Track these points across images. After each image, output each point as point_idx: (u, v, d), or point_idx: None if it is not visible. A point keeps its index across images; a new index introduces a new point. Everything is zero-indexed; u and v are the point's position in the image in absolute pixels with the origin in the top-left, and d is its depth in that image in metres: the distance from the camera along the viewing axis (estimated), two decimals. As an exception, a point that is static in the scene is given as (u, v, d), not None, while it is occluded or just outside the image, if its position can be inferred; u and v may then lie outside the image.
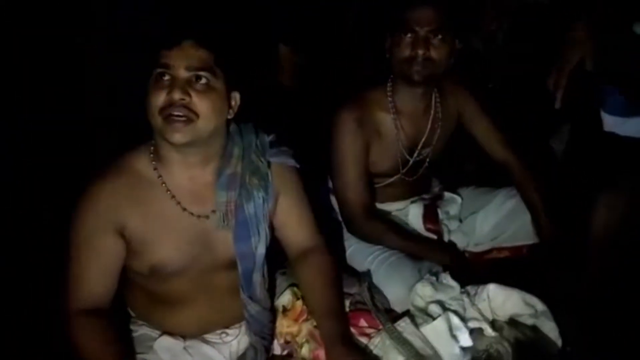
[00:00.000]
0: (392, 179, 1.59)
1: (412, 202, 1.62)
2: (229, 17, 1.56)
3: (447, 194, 1.69)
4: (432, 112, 1.56)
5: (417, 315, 1.26)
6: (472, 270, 1.52)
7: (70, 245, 1.10)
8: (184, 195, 1.14)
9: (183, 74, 1.06)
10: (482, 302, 1.31)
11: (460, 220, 1.65)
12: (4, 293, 1.58)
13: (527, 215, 1.57)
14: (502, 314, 1.30)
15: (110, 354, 1.07)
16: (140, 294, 1.20)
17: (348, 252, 1.53)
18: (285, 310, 1.27)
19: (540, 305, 1.31)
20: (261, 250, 1.19)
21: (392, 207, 1.63)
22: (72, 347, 1.09)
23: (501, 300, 1.31)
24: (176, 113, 1.04)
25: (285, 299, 1.28)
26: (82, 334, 1.08)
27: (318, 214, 1.32)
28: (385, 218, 1.58)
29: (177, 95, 1.04)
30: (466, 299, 1.32)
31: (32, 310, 1.54)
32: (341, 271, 1.31)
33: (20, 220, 1.75)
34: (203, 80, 1.07)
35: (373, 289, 1.32)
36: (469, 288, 1.35)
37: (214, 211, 1.15)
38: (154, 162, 1.13)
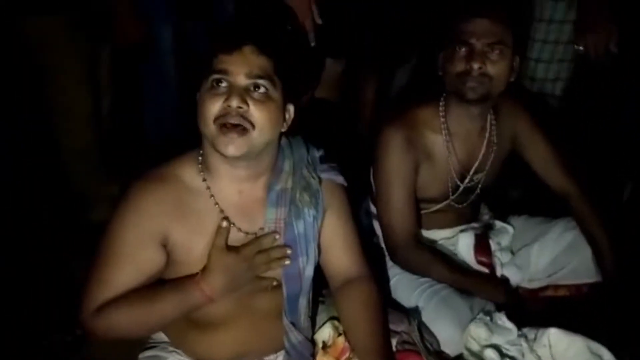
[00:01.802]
0: (439, 205, 1.47)
1: (462, 231, 1.50)
2: (281, 24, 1.50)
3: (498, 223, 1.56)
4: (487, 134, 1.44)
5: (471, 360, 1.15)
6: (526, 309, 1.40)
7: (105, 251, 1.03)
8: (232, 210, 1.06)
9: (242, 81, 0.99)
10: (542, 348, 1.20)
11: (512, 253, 1.52)
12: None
13: (589, 249, 1.43)
14: (565, 363, 1.18)
15: (146, 294, 1.01)
16: None
17: (391, 282, 1.42)
18: (325, 346, 1.16)
19: (607, 355, 1.19)
20: (309, 272, 1.10)
21: (438, 235, 1.51)
22: (108, 337, 1.05)
23: (564, 347, 1.20)
24: (232, 122, 0.98)
25: (325, 333, 1.18)
26: (106, 315, 1.00)
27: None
28: (433, 248, 1.46)
29: (235, 103, 0.98)
30: (524, 344, 1.21)
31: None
32: (386, 305, 1.20)
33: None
34: (262, 90, 1.00)
35: (422, 328, 1.20)
36: (526, 331, 1.24)
37: (262, 228, 1.08)
38: (202, 173, 1.06)
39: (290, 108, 1.08)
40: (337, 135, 2.02)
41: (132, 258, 1.02)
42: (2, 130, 1.72)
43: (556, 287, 1.47)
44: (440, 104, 1.42)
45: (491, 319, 1.24)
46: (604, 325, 1.31)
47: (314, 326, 1.19)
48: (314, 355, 1.16)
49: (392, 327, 1.17)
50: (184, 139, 1.11)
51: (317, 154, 1.17)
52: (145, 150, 1.90)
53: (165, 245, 1.03)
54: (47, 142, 1.75)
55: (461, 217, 1.52)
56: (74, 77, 1.64)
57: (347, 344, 1.14)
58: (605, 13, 1.68)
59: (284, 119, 1.07)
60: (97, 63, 1.73)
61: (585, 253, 1.44)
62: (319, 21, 1.58)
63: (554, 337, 1.20)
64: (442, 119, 1.41)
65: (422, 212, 1.48)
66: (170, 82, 1.77)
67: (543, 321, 1.29)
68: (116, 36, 1.66)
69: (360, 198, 1.61)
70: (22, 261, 1.67)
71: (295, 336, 1.11)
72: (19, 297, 1.55)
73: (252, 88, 1.00)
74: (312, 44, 1.59)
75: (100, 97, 1.77)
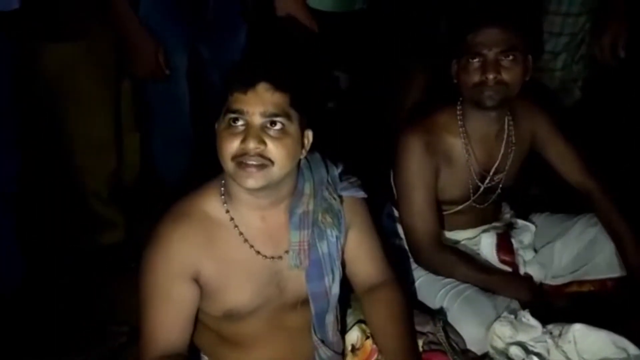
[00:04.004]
0: (461, 207, 1.50)
1: (484, 230, 1.53)
2: (293, 53, 1.53)
3: (519, 222, 1.58)
4: (505, 135, 1.47)
5: (497, 359, 1.18)
6: (551, 306, 1.42)
7: (143, 293, 1.07)
8: (257, 237, 1.10)
9: (258, 120, 1.00)
10: (568, 344, 1.22)
11: (535, 250, 1.54)
12: (27, 314, 1.56)
13: (612, 245, 1.45)
14: (590, 358, 1.20)
15: None
16: (209, 334, 1.16)
17: (416, 284, 1.45)
18: (354, 349, 1.21)
19: (632, 349, 1.21)
20: (335, 290, 1.14)
21: (461, 236, 1.54)
22: None
23: (589, 343, 1.22)
24: (250, 162, 1.00)
25: (353, 336, 1.23)
26: None
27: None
28: (456, 248, 1.49)
29: (252, 145, 0.99)
30: (549, 340, 1.23)
31: (34, 312, 1.55)
32: (412, 308, 1.24)
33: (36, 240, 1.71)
34: (278, 126, 1.01)
35: (448, 328, 1.24)
36: (551, 327, 1.26)
37: (287, 251, 1.11)
38: (225, 204, 1.09)
39: (309, 134, 1.09)
40: (356, 140, 2.07)
41: (168, 299, 1.04)
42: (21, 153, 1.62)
43: (580, 282, 1.49)
44: (458, 108, 1.45)
45: (515, 317, 1.27)
46: (630, 319, 1.32)
47: (343, 336, 1.21)
48: (343, 357, 1.20)
49: (418, 328, 1.21)
50: (197, 169, 1.13)
51: (337, 171, 1.18)
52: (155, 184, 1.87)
53: (197, 281, 1.06)
54: (65, 165, 1.72)
55: (483, 217, 1.55)
56: (96, 105, 1.63)
57: (374, 346, 1.18)
58: (620, 16, 1.68)
59: (303, 146, 1.08)
60: (119, 92, 1.70)
61: (608, 248, 1.45)
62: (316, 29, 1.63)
63: (579, 333, 1.21)
64: (460, 123, 1.44)
65: (444, 213, 1.51)
66: (183, 108, 1.73)
67: (568, 317, 1.31)
68: (137, 70, 1.63)
69: (382, 201, 1.65)
70: (42, 281, 1.67)
71: (324, 352, 1.15)
72: (41, 317, 1.57)
73: (268, 125, 1.01)
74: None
75: (120, 125, 1.72)
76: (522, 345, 1.21)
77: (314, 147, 1.18)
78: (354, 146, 1.96)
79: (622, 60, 1.75)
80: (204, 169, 1.15)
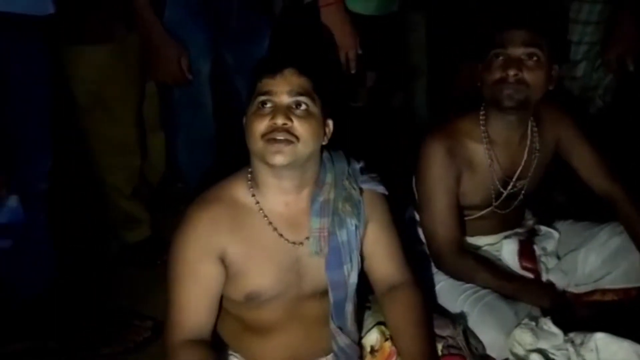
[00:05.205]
0: (483, 212, 1.50)
1: (506, 237, 1.52)
2: (316, 45, 1.58)
3: (543, 228, 1.58)
4: (529, 142, 1.46)
5: (517, 365, 1.18)
6: (573, 314, 1.41)
7: (172, 275, 1.12)
8: (280, 222, 1.15)
9: (285, 100, 1.09)
10: (589, 353, 1.21)
11: (558, 258, 1.53)
12: (55, 308, 1.58)
13: (637, 253, 1.43)
14: (612, 367, 1.19)
15: None
16: (230, 321, 1.20)
17: (436, 288, 1.46)
18: (373, 350, 1.22)
19: (657, 360, 1.18)
20: (353, 279, 1.17)
21: (482, 242, 1.54)
22: None
23: (611, 352, 1.20)
24: (278, 137, 1.07)
25: (372, 338, 1.23)
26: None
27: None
28: (477, 254, 1.49)
29: (280, 121, 1.07)
30: (571, 349, 1.22)
31: (60, 307, 1.56)
32: (431, 310, 1.25)
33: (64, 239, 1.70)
34: (303, 107, 1.10)
35: (468, 332, 1.24)
36: (573, 336, 1.25)
37: (307, 238, 1.15)
38: (251, 189, 1.15)
39: (330, 123, 1.17)
40: (379, 143, 2.09)
41: (196, 279, 1.10)
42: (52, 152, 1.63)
43: (603, 291, 1.47)
44: (481, 113, 1.45)
45: (537, 324, 1.26)
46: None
47: (360, 330, 1.24)
48: (361, 358, 1.22)
49: (438, 331, 1.21)
50: (219, 172, 1.19)
51: (358, 165, 1.23)
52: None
53: (223, 262, 1.12)
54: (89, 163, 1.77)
55: (505, 223, 1.54)
56: (121, 105, 1.67)
57: (394, 348, 1.18)
58: (628, 29, 1.69)
59: (325, 133, 1.15)
60: (144, 93, 1.75)
61: (633, 257, 1.43)
62: (360, 51, 1.68)
63: (601, 342, 1.20)
64: (483, 128, 1.45)
65: (466, 218, 1.51)
66: (206, 114, 1.76)
67: (591, 326, 1.30)
68: (159, 75, 1.66)
69: (404, 205, 1.66)
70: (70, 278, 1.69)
71: (342, 340, 1.18)
72: (67, 312, 1.60)
73: (294, 106, 1.09)
74: (353, 72, 1.69)
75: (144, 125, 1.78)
76: (542, 352, 1.20)
77: (337, 147, 1.22)
78: (377, 149, 1.98)
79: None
80: (227, 172, 1.20)
